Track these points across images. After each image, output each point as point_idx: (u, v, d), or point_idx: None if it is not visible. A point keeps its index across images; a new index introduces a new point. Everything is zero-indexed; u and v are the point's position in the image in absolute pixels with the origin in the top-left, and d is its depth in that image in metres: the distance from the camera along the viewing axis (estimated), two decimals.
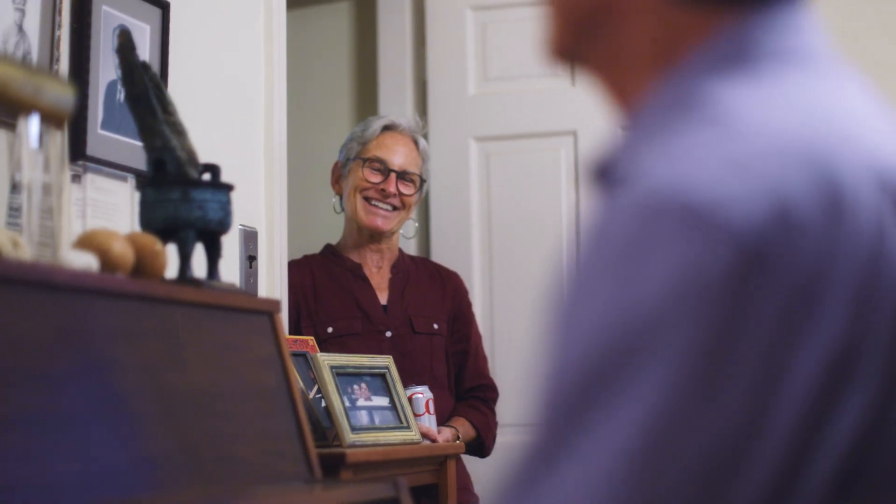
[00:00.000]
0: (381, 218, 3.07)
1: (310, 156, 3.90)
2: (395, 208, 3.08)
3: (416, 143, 3.15)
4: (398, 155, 3.10)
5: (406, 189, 3.09)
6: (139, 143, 2.17)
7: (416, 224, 3.37)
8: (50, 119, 1.22)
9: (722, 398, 0.68)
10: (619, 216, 0.73)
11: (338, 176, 3.17)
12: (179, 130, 1.78)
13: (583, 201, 3.54)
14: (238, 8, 2.63)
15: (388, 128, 3.14)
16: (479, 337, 3.20)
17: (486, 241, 3.62)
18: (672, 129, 0.78)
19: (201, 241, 1.77)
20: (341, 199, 3.17)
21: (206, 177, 1.77)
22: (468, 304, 3.22)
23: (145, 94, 1.75)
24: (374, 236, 3.10)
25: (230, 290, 1.78)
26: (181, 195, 1.72)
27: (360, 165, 3.09)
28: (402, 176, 3.09)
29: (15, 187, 1.69)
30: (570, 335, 0.73)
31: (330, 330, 2.93)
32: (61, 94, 1.24)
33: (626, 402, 0.69)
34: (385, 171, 3.07)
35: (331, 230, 3.31)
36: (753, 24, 0.82)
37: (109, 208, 2.06)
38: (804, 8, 0.84)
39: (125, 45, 1.76)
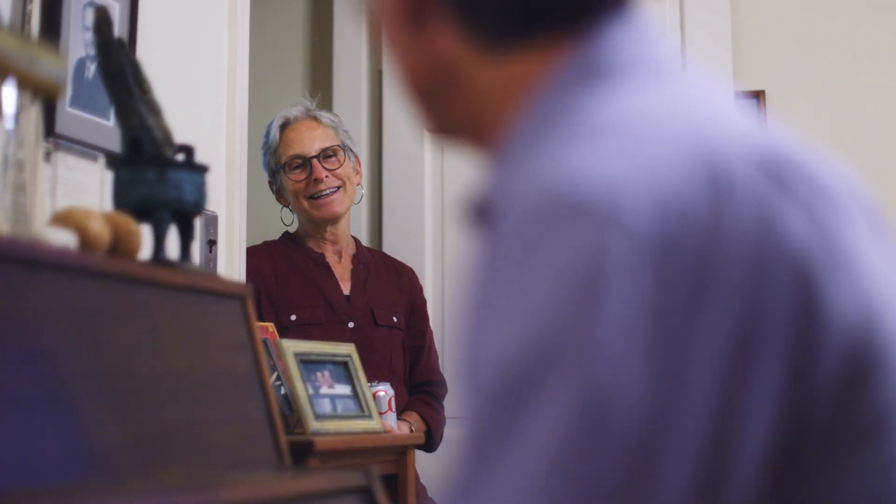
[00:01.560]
0: (333, 204, 3.07)
1: None
2: (337, 188, 3.08)
3: (317, 119, 3.14)
4: (306, 142, 3.09)
5: (332, 165, 3.08)
6: (107, 123, 2.13)
7: (363, 190, 3.36)
8: (43, 92, 1.19)
9: (631, 394, 0.68)
10: (508, 225, 0.74)
11: (277, 190, 3.18)
12: (155, 109, 1.76)
13: None
14: None
15: (284, 125, 3.13)
16: (432, 333, 3.22)
17: (439, 234, 3.61)
18: (544, 140, 0.79)
19: (175, 223, 1.75)
20: (290, 209, 3.17)
21: (180, 157, 1.75)
22: (423, 301, 3.23)
23: (122, 72, 1.72)
24: (333, 222, 3.10)
25: (204, 273, 1.76)
26: (157, 175, 1.69)
27: (284, 172, 3.10)
28: (322, 156, 3.08)
29: None
30: (480, 351, 0.73)
31: (293, 318, 2.92)
32: (55, 67, 1.21)
33: (539, 414, 0.69)
34: (304, 162, 3.07)
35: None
36: (598, 42, 0.85)
37: (78, 187, 2.02)
38: (641, 22, 0.88)
39: (102, 21, 1.72)
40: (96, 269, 1.46)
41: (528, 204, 0.73)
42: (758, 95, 3.48)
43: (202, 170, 1.74)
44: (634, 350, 0.68)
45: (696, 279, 0.70)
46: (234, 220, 2.68)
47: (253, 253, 2.97)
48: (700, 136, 0.76)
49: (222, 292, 1.76)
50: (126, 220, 1.63)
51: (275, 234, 3.21)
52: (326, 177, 3.06)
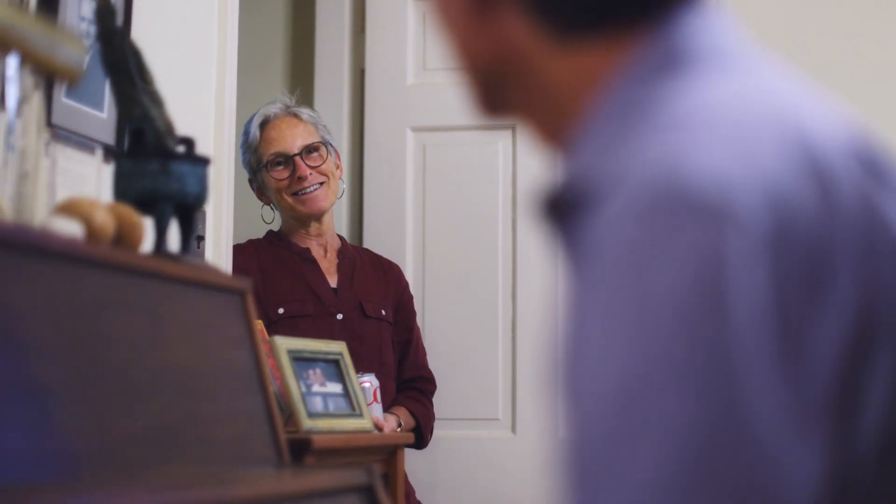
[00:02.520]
0: (318, 199, 3.06)
1: None
2: (321, 184, 3.06)
3: (297, 116, 3.12)
4: (288, 139, 3.06)
5: (315, 161, 3.06)
6: (101, 114, 2.11)
7: (344, 185, 3.34)
8: (62, 78, 1.17)
9: (762, 396, 0.67)
10: (612, 222, 0.71)
11: (259, 188, 3.15)
12: (157, 100, 1.73)
13: (520, 196, 3.53)
14: None
15: (264, 123, 3.10)
16: (419, 329, 3.20)
17: (420, 232, 3.59)
18: (634, 131, 0.77)
19: (175, 215, 1.72)
20: (272, 207, 3.14)
21: (181, 149, 1.72)
22: (410, 297, 3.22)
23: (124, 62, 1.69)
24: (317, 218, 3.09)
25: (205, 266, 1.73)
26: (160, 167, 1.67)
27: (267, 171, 3.07)
28: (305, 153, 3.06)
29: None
30: (595, 360, 0.70)
31: (281, 311, 2.90)
32: (75, 53, 1.19)
33: (663, 421, 0.67)
34: (287, 160, 3.05)
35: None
36: (674, 32, 0.83)
37: (75, 178, 1.99)
38: (714, 10, 0.86)
39: (105, 9, 1.70)
40: (105, 260, 1.43)
41: (633, 200, 0.71)
42: None
43: (205, 162, 1.71)
44: (762, 351, 0.67)
45: (812, 273, 0.70)
46: (221, 216, 2.66)
47: (238, 251, 2.95)
48: (794, 127, 0.75)
49: (223, 287, 1.74)
50: (129, 212, 1.61)
51: (257, 232, 3.19)
52: (310, 174, 3.04)
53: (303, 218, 3.09)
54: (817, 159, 0.73)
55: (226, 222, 2.67)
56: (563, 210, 0.81)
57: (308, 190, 3.04)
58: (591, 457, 0.69)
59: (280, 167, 3.05)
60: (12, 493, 1.17)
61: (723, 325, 0.67)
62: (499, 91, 0.90)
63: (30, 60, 1.14)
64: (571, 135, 0.85)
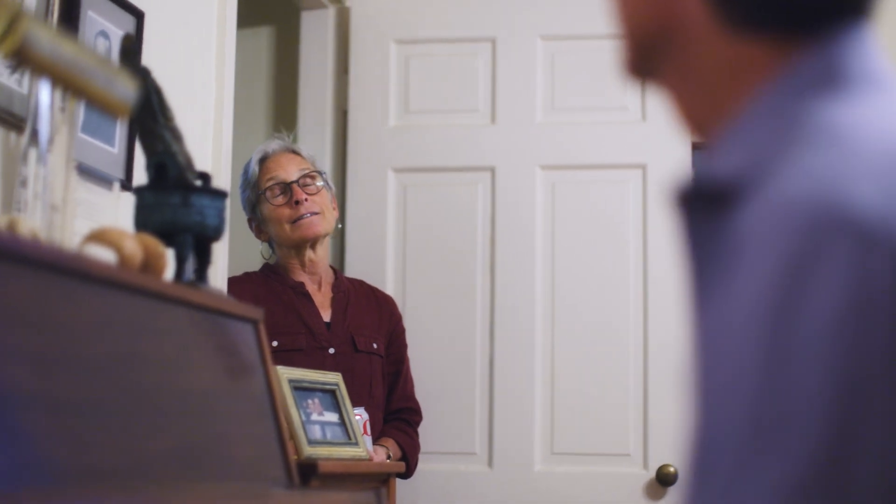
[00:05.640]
0: (314, 225, 3.13)
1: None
2: (316, 213, 3.13)
3: (295, 152, 3.22)
4: (284, 168, 3.16)
5: (312, 191, 3.14)
6: (113, 150, 2.18)
7: (340, 225, 3.41)
8: (115, 112, 1.24)
9: (879, 413, 0.69)
10: (773, 230, 0.74)
11: (257, 226, 3.21)
12: (178, 136, 1.80)
13: (499, 236, 3.61)
14: (196, 26, 2.65)
15: (263, 158, 3.20)
16: (409, 361, 3.27)
17: (401, 271, 3.66)
18: (793, 147, 0.80)
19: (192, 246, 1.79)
20: (270, 243, 3.21)
21: (198, 183, 1.79)
22: (402, 329, 3.28)
23: (147, 99, 1.77)
24: (312, 245, 3.16)
25: (223, 296, 1.80)
26: (181, 200, 1.74)
27: (265, 200, 3.14)
28: (302, 183, 3.14)
29: (23, 182, 1.70)
30: (738, 356, 0.73)
31: (275, 344, 2.95)
32: (128, 89, 1.26)
33: (797, 434, 0.70)
34: (284, 187, 3.13)
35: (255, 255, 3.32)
36: (835, 50, 0.86)
37: (92, 210, 2.06)
38: (871, 33, 0.89)
39: (129, 48, 1.78)
40: (139, 285, 1.50)
41: (792, 212, 0.74)
42: None
43: (223, 196, 1.79)
44: (892, 378, 0.70)
45: None
46: (217, 249, 2.72)
47: (234, 283, 3.01)
48: None
49: (238, 315, 1.81)
50: (154, 242, 1.67)
51: (251, 266, 3.25)
52: (306, 200, 3.11)
53: (299, 244, 3.14)
54: None
55: (221, 255, 2.74)
56: (703, 203, 0.84)
57: (305, 216, 3.11)
58: (722, 459, 0.73)
59: (279, 196, 3.12)
60: (44, 497, 1.22)
61: (866, 349, 0.70)
62: (651, 58, 0.93)
63: (87, 95, 1.21)
64: (719, 125, 0.88)
